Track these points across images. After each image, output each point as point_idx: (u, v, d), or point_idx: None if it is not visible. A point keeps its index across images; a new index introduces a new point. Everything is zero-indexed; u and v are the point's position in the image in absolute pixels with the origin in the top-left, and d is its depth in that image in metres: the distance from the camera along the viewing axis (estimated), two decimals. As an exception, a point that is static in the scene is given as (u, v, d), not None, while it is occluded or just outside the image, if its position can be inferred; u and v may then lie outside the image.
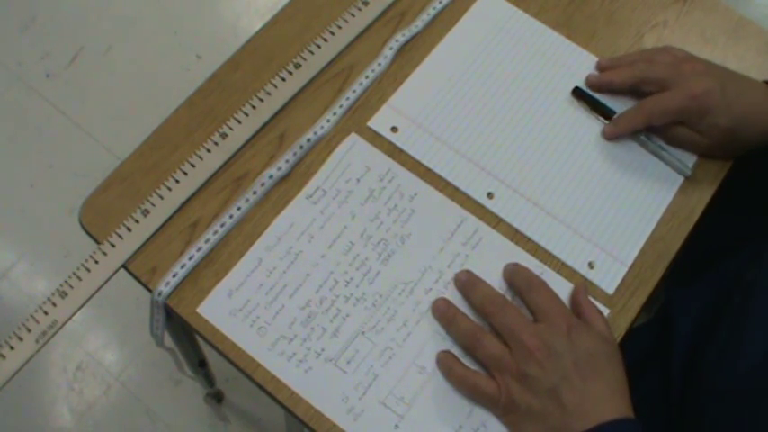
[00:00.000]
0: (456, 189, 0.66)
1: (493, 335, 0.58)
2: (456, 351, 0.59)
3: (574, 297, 0.61)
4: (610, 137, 0.68)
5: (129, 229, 0.63)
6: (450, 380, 0.58)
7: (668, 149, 0.67)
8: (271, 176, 0.65)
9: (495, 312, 0.58)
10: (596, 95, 0.70)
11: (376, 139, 0.67)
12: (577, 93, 0.70)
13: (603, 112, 0.69)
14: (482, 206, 0.65)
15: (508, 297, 0.61)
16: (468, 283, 0.61)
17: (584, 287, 0.62)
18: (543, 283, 0.60)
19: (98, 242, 0.63)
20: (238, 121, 0.67)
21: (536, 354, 0.55)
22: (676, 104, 0.63)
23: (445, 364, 0.59)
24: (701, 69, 0.64)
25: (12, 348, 0.59)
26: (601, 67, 0.71)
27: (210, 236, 0.63)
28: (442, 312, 0.60)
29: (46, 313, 0.60)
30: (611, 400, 0.54)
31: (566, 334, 0.56)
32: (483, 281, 0.61)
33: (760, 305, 0.58)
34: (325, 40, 0.71)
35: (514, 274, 0.61)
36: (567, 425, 0.53)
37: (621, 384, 0.56)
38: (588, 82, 0.70)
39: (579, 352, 0.55)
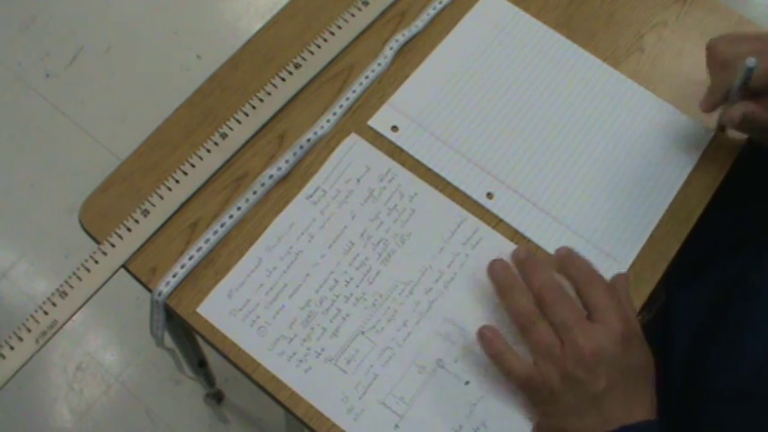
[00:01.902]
0: (456, 189, 0.66)
1: (548, 322, 0.56)
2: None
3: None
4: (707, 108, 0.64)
5: (129, 229, 0.63)
6: (487, 351, 0.57)
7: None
8: (271, 176, 0.65)
9: (553, 303, 0.56)
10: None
11: (376, 139, 0.67)
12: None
13: None
14: (482, 206, 0.65)
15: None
16: (527, 263, 0.59)
17: (626, 278, 0.60)
18: (602, 279, 0.58)
19: (98, 242, 0.63)
20: (238, 121, 0.67)
21: (588, 358, 0.53)
22: None
23: (486, 336, 0.57)
24: None
25: (12, 348, 0.59)
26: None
27: (210, 236, 0.63)
28: (501, 278, 0.58)
29: (46, 313, 0.60)
30: (647, 411, 0.54)
31: (620, 342, 0.54)
32: (544, 265, 0.59)
33: (762, 308, 0.58)
34: (325, 40, 0.71)
35: (571, 263, 0.58)
36: (599, 428, 0.53)
37: (653, 398, 0.56)
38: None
39: (630, 363, 0.54)
